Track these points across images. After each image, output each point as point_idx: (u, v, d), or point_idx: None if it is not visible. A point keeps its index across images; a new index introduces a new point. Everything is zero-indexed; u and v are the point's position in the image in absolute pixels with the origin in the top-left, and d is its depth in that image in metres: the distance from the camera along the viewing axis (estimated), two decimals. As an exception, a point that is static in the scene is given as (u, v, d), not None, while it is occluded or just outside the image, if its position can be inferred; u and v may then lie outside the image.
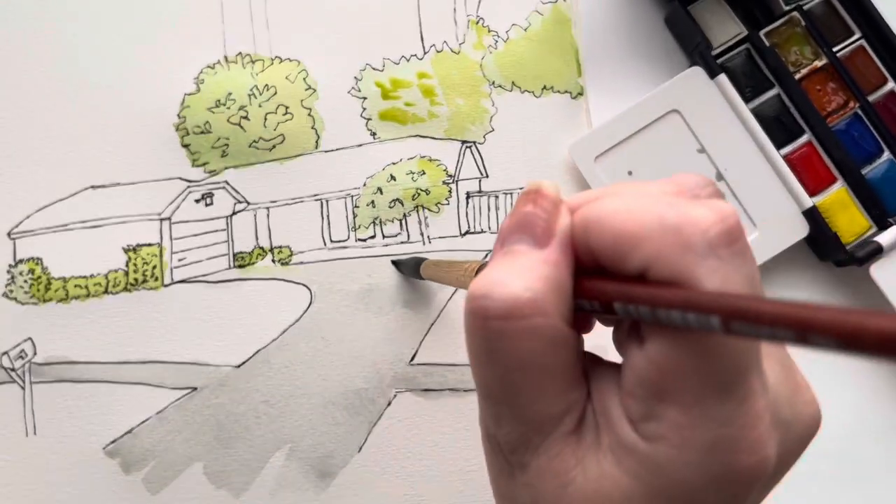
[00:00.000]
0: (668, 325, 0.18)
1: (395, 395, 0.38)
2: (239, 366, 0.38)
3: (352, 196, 0.40)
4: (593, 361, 0.22)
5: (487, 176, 0.41)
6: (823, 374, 0.41)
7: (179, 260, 0.39)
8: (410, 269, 0.38)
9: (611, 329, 0.23)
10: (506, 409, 0.21)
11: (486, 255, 0.41)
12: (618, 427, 0.20)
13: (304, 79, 0.41)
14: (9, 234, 0.39)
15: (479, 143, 0.41)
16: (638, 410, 0.19)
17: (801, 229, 0.40)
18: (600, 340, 0.24)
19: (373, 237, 0.40)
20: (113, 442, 0.37)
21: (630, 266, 0.19)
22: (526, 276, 0.20)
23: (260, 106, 0.40)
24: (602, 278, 0.20)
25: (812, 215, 0.40)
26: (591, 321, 0.24)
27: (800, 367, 0.22)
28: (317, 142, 0.40)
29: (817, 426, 0.21)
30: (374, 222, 0.40)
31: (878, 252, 0.39)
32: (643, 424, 0.19)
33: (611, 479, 0.19)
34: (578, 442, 0.20)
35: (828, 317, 0.15)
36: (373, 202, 0.40)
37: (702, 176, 0.21)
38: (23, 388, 0.37)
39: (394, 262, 0.40)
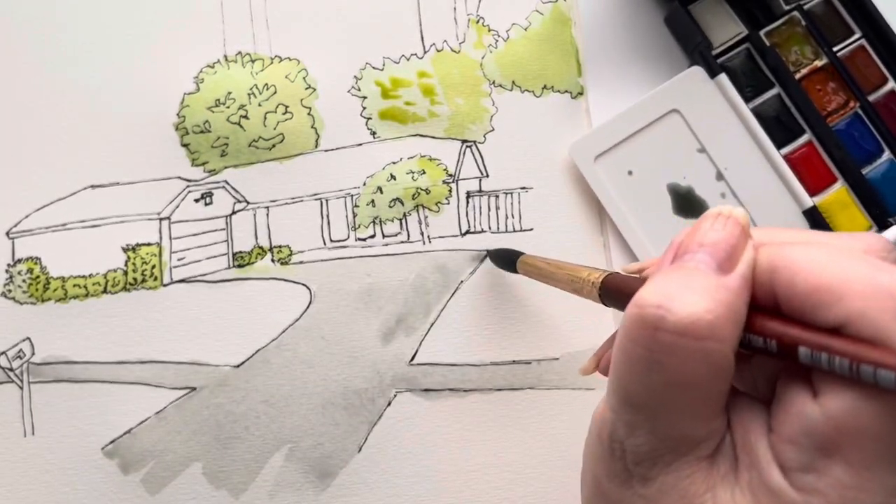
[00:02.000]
0: (865, 382, 0.18)
1: (394, 395, 0.38)
2: (238, 366, 0.38)
3: (351, 195, 0.40)
4: (735, 395, 0.22)
5: (488, 175, 0.41)
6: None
7: (179, 259, 0.39)
8: (504, 261, 0.38)
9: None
10: (646, 422, 0.20)
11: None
12: (765, 469, 0.19)
13: (304, 78, 0.41)
14: (7, 234, 0.39)
15: (480, 143, 0.41)
16: (797, 459, 0.19)
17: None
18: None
19: (373, 237, 0.40)
20: (112, 442, 0.37)
21: (826, 318, 0.18)
22: (707, 298, 0.19)
23: (260, 105, 0.40)
24: (789, 321, 0.19)
25: (812, 215, 0.40)
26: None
27: None
28: (316, 141, 0.40)
29: None
30: (373, 222, 0.40)
31: (878, 252, 0.39)
32: (799, 475, 0.19)
33: None
34: (710, 469, 0.20)
35: None
36: (373, 201, 0.40)
37: (884, 238, 0.21)
38: (21, 388, 0.37)
39: (489, 253, 0.40)
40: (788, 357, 0.19)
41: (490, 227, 0.41)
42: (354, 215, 0.40)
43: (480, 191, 0.41)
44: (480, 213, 0.41)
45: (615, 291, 0.26)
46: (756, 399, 0.21)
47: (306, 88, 0.41)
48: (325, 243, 0.40)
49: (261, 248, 0.40)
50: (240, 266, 0.39)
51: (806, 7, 0.41)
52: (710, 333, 0.19)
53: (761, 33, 0.41)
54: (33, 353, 0.38)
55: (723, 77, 0.40)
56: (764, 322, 0.20)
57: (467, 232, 0.40)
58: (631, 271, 0.27)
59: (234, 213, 0.40)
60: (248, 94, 0.40)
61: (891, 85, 0.42)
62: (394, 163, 0.40)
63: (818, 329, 0.19)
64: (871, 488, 0.18)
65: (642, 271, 0.27)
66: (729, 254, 0.20)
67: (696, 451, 0.20)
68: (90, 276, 0.38)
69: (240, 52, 0.41)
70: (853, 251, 0.20)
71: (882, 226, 0.40)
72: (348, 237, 0.40)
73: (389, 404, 0.39)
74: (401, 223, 0.40)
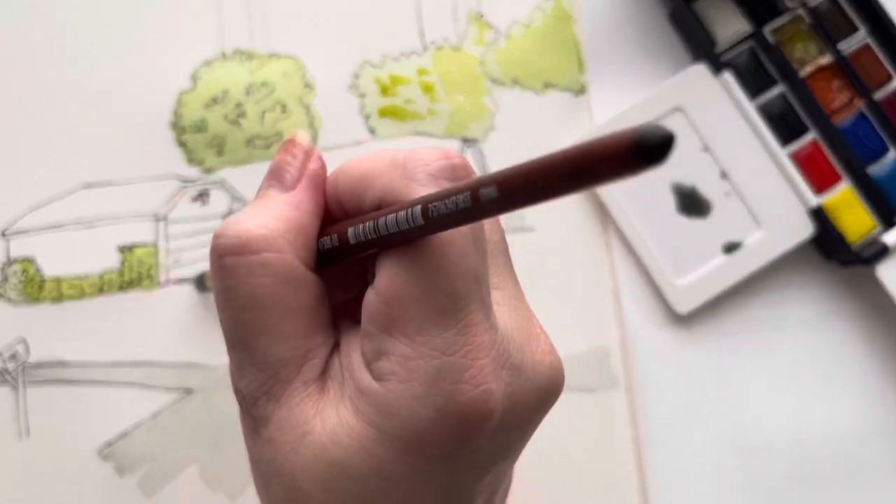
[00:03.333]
0: (387, 238, 0.19)
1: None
2: (235, 367, 0.38)
3: (350, 195, 0.40)
4: (348, 321, 0.22)
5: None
6: (830, 378, 0.41)
7: (175, 260, 0.39)
8: (200, 284, 0.38)
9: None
10: (245, 355, 0.21)
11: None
12: (357, 372, 0.20)
13: (302, 76, 0.40)
14: (2, 234, 0.38)
15: (480, 141, 0.41)
16: (371, 349, 0.20)
17: (806, 229, 0.40)
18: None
19: (371, 236, 0.40)
20: (107, 444, 0.37)
21: (368, 203, 0.20)
22: (262, 215, 0.21)
23: (257, 103, 0.40)
24: (348, 219, 0.21)
25: (817, 214, 0.40)
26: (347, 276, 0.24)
27: (540, 323, 0.23)
28: (314, 139, 0.40)
29: (557, 380, 0.22)
30: (372, 221, 0.40)
31: (884, 252, 0.39)
32: (376, 364, 0.19)
33: (346, 426, 0.20)
34: (321, 393, 0.20)
35: (492, 175, 0.16)
36: (371, 201, 0.40)
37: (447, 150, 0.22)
38: (16, 390, 0.37)
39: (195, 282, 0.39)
40: (347, 248, 0.20)
41: (491, 227, 0.40)
42: (353, 215, 0.40)
43: (481, 190, 0.40)
44: (481, 213, 0.40)
45: None
46: None
47: (304, 86, 0.40)
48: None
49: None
50: (237, 266, 0.39)
51: (811, 4, 0.41)
52: (265, 245, 0.20)
53: (766, 31, 0.41)
54: (28, 355, 0.38)
55: (727, 75, 0.40)
56: (331, 226, 0.21)
57: (467, 232, 0.40)
58: None
59: (230, 212, 0.40)
60: (245, 92, 0.40)
61: (896, 83, 0.41)
62: (393, 161, 0.40)
63: (364, 212, 0.20)
64: (426, 352, 0.19)
65: None
66: (292, 174, 0.22)
67: (302, 376, 0.20)
68: (85, 276, 0.38)
69: (237, 50, 0.40)
70: (399, 149, 0.21)
71: (888, 224, 0.40)
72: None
73: (389, 406, 0.38)
74: (400, 223, 0.40)
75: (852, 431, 0.41)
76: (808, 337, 0.41)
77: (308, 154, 0.22)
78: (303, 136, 0.23)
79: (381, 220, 0.19)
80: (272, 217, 0.20)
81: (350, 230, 0.20)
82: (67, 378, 0.38)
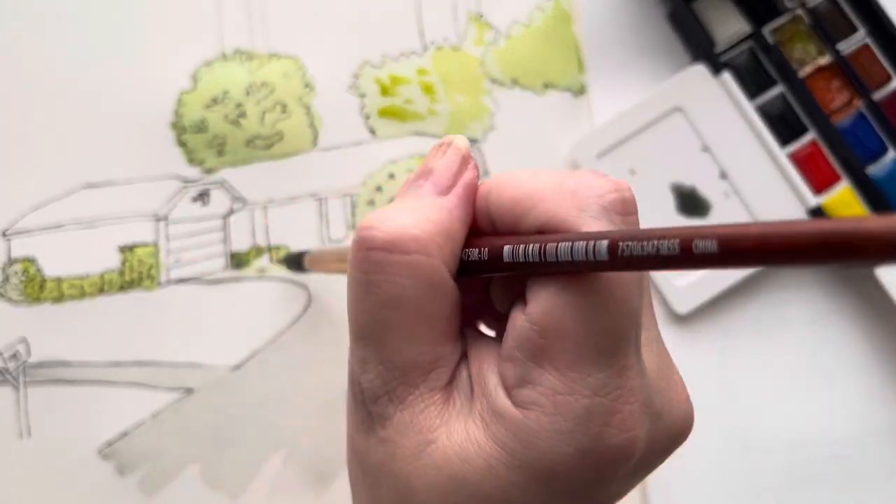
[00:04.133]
0: (554, 266, 0.18)
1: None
2: (235, 367, 0.38)
3: (350, 194, 0.40)
4: (475, 332, 0.22)
5: (488, 174, 0.41)
6: (830, 378, 0.41)
7: (175, 260, 0.39)
8: (295, 263, 0.38)
9: None
10: (374, 352, 0.20)
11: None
12: (492, 394, 0.20)
13: (302, 76, 0.40)
14: (3, 234, 0.38)
15: (480, 141, 0.41)
16: (515, 375, 0.19)
17: (805, 229, 0.40)
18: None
19: (372, 236, 0.40)
20: (108, 444, 0.37)
21: (527, 225, 0.20)
22: (416, 215, 0.20)
23: (257, 103, 0.40)
24: (501, 234, 0.21)
25: (816, 214, 0.40)
26: (480, 315, 0.24)
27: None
28: (315, 140, 0.40)
29: (688, 426, 0.21)
30: (372, 221, 0.40)
31: (883, 252, 0.39)
32: (518, 390, 0.19)
33: (475, 443, 0.19)
34: (446, 403, 0.20)
35: (711, 228, 0.15)
36: (372, 200, 0.40)
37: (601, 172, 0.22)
38: (17, 390, 0.37)
39: (282, 261, 0.39)
40: (498, 264, 0.20)
41: (490, 227, 0.40)
42: (353, 215, 0.40)
43: (481, 190, 0.41)
44: (481, 213, 0.40)
45: None
46: (499, 340, 0.21)
47: (304, 86, 0.40)
48: (323, 243, 0.40)
49: (258, 247, 0.39)
50: (237, 266, 0.39)
51: (810, 4, 0.41)
52: (417, 247, 0.20)
53: (765, 31, 0.41)
54: (29, 355, 0.38)
55: (726, 75, 0.40)
56: (480, 239, 0.21)
57: (467, 231, 0.40)
58: None
59: (231, 212, 0.40)
60: (246, 93, 0.40)
61: (895, 83, 0.41)
62: (393, 161, 0.40)
63: (523, 233, 0.20)
64: (577, 389, 0.18)
65: None
66: (448, 178, 0.21)
67: (428, 382, 0.20)
68: (86, 276, 0.38)
69: (237, 50, 0.40)
70: (561, 172, 0.21)
71: (887, 225, 0.40)
72: (347, 237, 0.40)
73: (389, 406, 0.38)
74: (400, 223, 0.40)
75: (852, 431, 0.41)
76: (808, 337, 0.41)
77: (465, 161, 0.22)
78: (461, 141, 0.22)
79: (552, 246, 0.18)
80: (425, 218, 0.20)
81: (507, 248, 0.19)
82: (68, 378, 0.38)
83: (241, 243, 0.39)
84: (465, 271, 0.21)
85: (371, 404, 0.21)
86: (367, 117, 0.40)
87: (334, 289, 0.39)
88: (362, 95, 0.41)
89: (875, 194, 0.40)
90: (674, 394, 0.21)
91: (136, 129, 0.39)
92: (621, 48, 0.42)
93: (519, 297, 0.20)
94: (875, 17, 0.41)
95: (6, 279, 0.38)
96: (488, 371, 0.20)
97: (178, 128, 0.40)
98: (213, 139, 0.40)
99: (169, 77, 0.40)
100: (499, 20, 0.42)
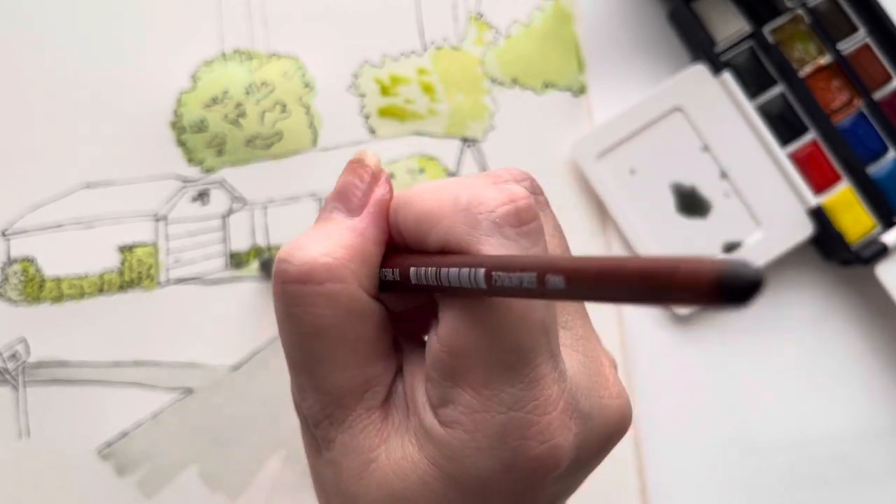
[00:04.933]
0: (450, 289, 0.18)
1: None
2: (235, 367, 0.38)
3: (350, 194, 0.40)
4: (410, 343, 0.22)
5: (488, 174, 0.40)
6: (830, 377, 0.41)
7: (175, 259, 0.39)
8: (268, 269, 0.37)
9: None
10: (306, 379, 0.21)
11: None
12: (421, 411, 0.20)
13: (302, 75, 0.40)
14: (2, 233, 0.38)
15: (480, 141, 0.41)
16: (436, 395, 0.19)
17: (805, 228, 0.40)
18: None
19: (371, 236, 0.40)
20: (107, 444, 0.37)
21: (430, 244, 0.20)
22: (327, 242, 0.20)
23: (257, 103, 0.40)
24: (411, 253, 0.21)
25: (817, 214, 0.40)
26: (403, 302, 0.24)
27: (615, 365, 0.22)
28: (314, 139, 0.40)
29: (624, 423, 0.21)
30: (372, 221, 0.40)
31: (883, 251, 0.39)
32: (441, 409, 0.19)
33: (411, 461, 0.20)
34: (384, 420, 0.20)
35: (564, 260, 0.16)
36: (371, 201, 0.40)
37: (521, 170, 0.22)
38: (16, 390, 0.37)
39: (261, 267, 0.39)
40: (408, 285, 0.20)
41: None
42: (353, 214, 0.40)
43: (481, 190, 0.40)
44: (481, 213, 0.40)
45: None
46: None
47: (304, 86, 0.40)
48: (323, 243, 0.40)
49: (258, 247, 0.39)
50: (237, 266, 0.39)
51: (810, 4, 0.41)
52: (329, 276, 0.19)
53: (765, 30, 0.41)
54: (28, 354, 0.37)
55: (726, 75, 0.40)
56: (393, 257, 0.21)
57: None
58: None
59: (230, 212, 0.39)
60: (246, 92, 0.40)
61: (895, 83, 0.41)
62: (393, 161, 0.40)
63: (428, 253, 0.20)
64: (492, 407, 0.19)
65: None
66: (358, 197, 0.21)
67: (364, 402, 0.20)
68: (85, 276, 0.38)
69: (237, 50, 0.40)
70: (465, 182, 0.20)
71: (887, 224, 0.40)
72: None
73: (388, 406, 0.38)
74: (400, 222, 0.40)
75: (852, 431, 0.41)
76: (808, 336, 0.41)
77: (375, 177, 0.22)
78: (371, 158, 0.22)
79: (444, 271, 0.18)
80: (336, 244, 0.20)
81: (412, 270, 0.20)
82: (67, 378, 0.38)
83: (240, 243, 0.39)
84: (387, 287, 0.21)
85: (314, 428, 0.21)
86: (367, 117, 0.40)
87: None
88: (362, 95, 0.41)
89: (875, 194, 0.40)
90: (604, 391, 0.21)
91: (136, 129, 0.39)
92: (621, 48, 0.42)
93: (434, 317, 0.20)
94: (875, 17, 0.41)
95: (5, 279, 0.38)
96: (418, 387, 0.20)
97: (178, 127, 0.39)
98: (212, 139, 0.40)
99: (169, 77, 0.40)
100: (499, 20, 0.42)
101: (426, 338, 0.22)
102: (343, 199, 0.21)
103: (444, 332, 0.19)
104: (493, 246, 0.18)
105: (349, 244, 0.20)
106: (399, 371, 0.21)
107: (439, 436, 0.19)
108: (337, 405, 0.20)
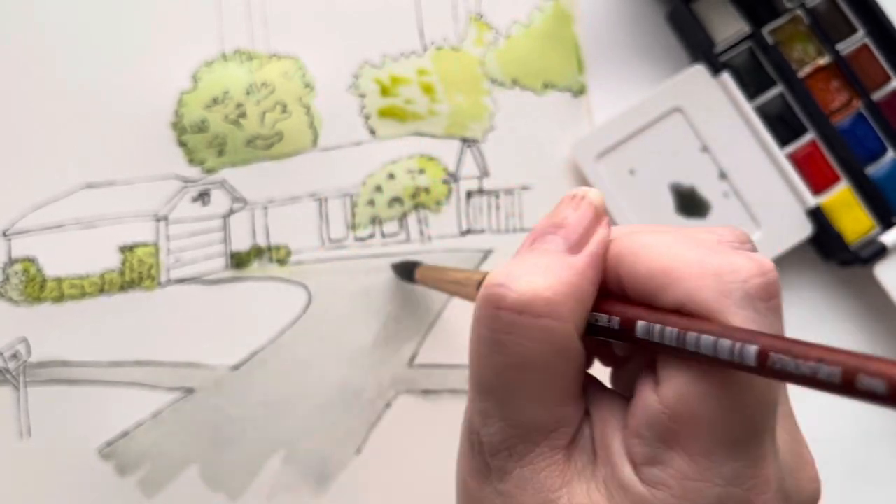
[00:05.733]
0: (693, 354, 0.18)
1: (394, 397, 0.38)
2: (235, 367, 0.38)
3: (350, 195, 0.40)
4: (596, 386, 0.22)
5: (488, 174, 0.41)
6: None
7: (175, 260, 0.39)
8: (405, 272, 0.37)
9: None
10: (496, 408, 0.20)
11: (483, 263, 0.41)
12: (617, 464, 0.19)
13: (302, 76, 0.40)
14: (3, 234, 0.38)
15: (480, 141, 0.41)
16: (642, 453, 0.19)
17: (804, 229, 0.40)
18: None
19: (372, 236, 0.40)
20: (108, 444, 0.37)
21: (663, 301, 0.19)
22: (550, 276, 0.19)
23: (257, 103, 0.40)
24: (633, 303, 0.20)
25: (816, 214, 0.40)
26: (592, 356, 0.24)
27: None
28: (315, 140, 0.40)
29: None
30: (372, 221, 0.40)
31: (882, 252, 0.39)
32: (646, 468, 0.19)
33: None
34: (567, 462, 0.20)
35: (879, 364, 0.14)
36: (372, 201, 0.40)
37: (740, 230, 0.21)
38: (17, 390, 0.37)
39: (393, 266, 0.39)
40: (629, 335, 0.19)
41: (490, 227, 0.40)
42: (353, 215, 0.40)
43: (481, 190, 0.41)
44: (481, 213, 0.40)
45: None
46: (621, 396, 0.21)
47: (304, 87, 0.40)
48: (323, 243, 0.40)
49: (258, 247, 0.39)
50: (237, 266, 0.39)
51: (809, 5, 0.41)
52: (549, 310, 0.19)
53: (764, 31, 0.41)
54: (29, 354, 0.38)
55: (725, 75, 0.40)
56: (609, 303, 0.20)
57: (467, 231, 0.40)
58: None
59: (231, 212, 0.40)
60: (246, 93, 0.40)
61: (894, 83, 0.41)
62: (393, 161, 0.40)
63: (657, 308, 0.19)
64: (710, 477, 0.18)
65: None
66: (580, 234, 0.21)
67: (550, 441, 0.20)
68: (86, 276, 0.38)
69: (237, 50, 0.40)
70: (701, 240, 0.20)
71: (886, 224, 0.40)
72: (347, 237, 0.40)
73: (389, 406, 0.38)
74: (400, 222, 0.40)
75: (851, 432, 0.41)
76: (807, 336, 0.41)
77: (599, 217, 0.21)
78: (596, 195, 0.21)
79: (692, 336, 0.17)
80: (558, 279, 0.19)
81: (641, 324, 0.19)
82: (68, 378, 0.38)
83: (241, 243, 0.39)
84: (592, 332, 0.20)
85: (490, 456, 0.20)
86: (367, 117, 0.41)
87: (334, 289, 0.39)
88: (362, 95, 0.41)
89: (874, 194, 0.40)
90: (804, 473, 0.20)
91: (137, 130, 0.39)
92: (621, 49, 0.42)
93: (648, 369, 0.20)
94: (874, 18, 0.41)
95: (6, 279, 0.38)
96: (612, 437, 0.20)
97: (179, 128, 0.40)
98: (213, 139, 0.40)
99: (169, 77, 0.40)
100: (499, 20, 0.42)
101: (610, 384, 0.22)
102: (563, 234, 0.21)
103: (670, 395, 0.18)
104: (743, 319, 0.18)
105: (569, 281, 0.20)
106: (586, 414, 0.21)
107: (639, 493, 0.19)
108: (523, 439, 0.20)
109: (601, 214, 0.21)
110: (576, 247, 0.20)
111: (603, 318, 0.20)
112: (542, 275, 0.19)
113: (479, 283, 0.26)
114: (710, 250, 0.19)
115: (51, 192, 0.39)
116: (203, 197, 0.39)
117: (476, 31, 0.42)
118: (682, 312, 0.18)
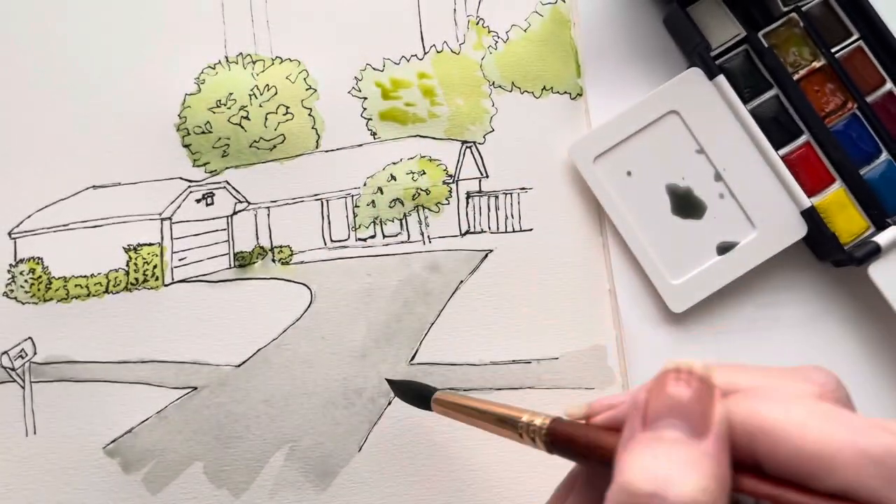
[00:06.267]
0: None
1: (395, 395, 0.38)
2: (239, 365, 0.38)
3: (352, 196, 0.40)
4: None
5: (487, 176, 0.41)
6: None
7: (180, 259, 0.39)
8: (413, 396, 0.35)
9: None
10: None
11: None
12: None
13: (305, 79, 0.41)
14: (10, 234, 0.39)
15: (479, 143, 0.41)
16: None
17: (799, 229, 0.40)
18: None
19: (373, 237, 0.40)
20: (113, 441, 0.37)
21: (821, 486, 0.18)
22: (696, 474, 0.18)
23: (260, 106, 0.40)
24: (782, 484, 0.19)
25: (810, 215, 0.40)
26: None
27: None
28: (317, 142, 0.40)
29: None
30: (374, 222, 0.40)
31: (876, 252, 0.39)
32: None
33: None
34: None
35: None
36: (373, 202, 0.40)
37: (828, 371, 0.20)
38: (23, 388, 0.38)
39: (391, 383, 0.37)
40: None
41: (490, 228, 0.41)
42: (355, 215, 0.40)
43: (480, 191, 0.41)
44: (480, 214, 0.41)
45: (566, 443, 0.24)
46: None
47: (307, 89, 0.41)
48: (325, 243, 0.40)
49: (261, 248, 0.40)
50: (241, 266, 0.39)
51: (804, 8, 0.42)
52: None
53: (760, 34, 0.41)
54: (35, 353, 0.38)
55: (721, 78, 0.40)
56: (756, 484, 0.19)
57: (467, 232, 0.41)
58: (577, 417, 0.25)
59: (235, 213, 0.40)
60: (249, 95, 0.40)
61: (889, 86, 0.42)
62: (394, 163, 0.41)
63: (817, 493, 0.18)
64: None
65: (590, 417, 0.24)
66: (701, 414, 0.19)
67: None
68: (92, 276, 0.39)
69: (241, 53, 0.41)
70: (831, 416, 0.19)
71: (880, 226, 0.40)
72: (349, 237, 0.40)
73: (390, 404, 0.39)
74: (401, 223, 0.40)
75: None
76: (801, 336, 0.41)
77: (712, 393, 0.20)
78: (700, 367, 0.20)
79: None
80: (705, 476, 0.18)
81: None
82: (74, 376, 0.38)
83: (244, 244, 0.40)
84: None
85: None
86: (369, 120, 0.41)
87: (336, 289, 0.40)
88: (364, 98, 0.41)
89: (868, 195, 0.40)
90: None
91: (142, 131, 0.40)
92: (618, 52, 0.42)
93: None
94: (868, 21, 0.41)
95: (13, 279, 0.38)
96: None
97: (183, 130, 0.40)
98: (217, 141, 0.40)
99: (174, 80, 0.40)
100: (498, 25, 0.42)
101: None
102: (681, 416, 0.19)
103: None
104: None
105: (714, 474, 0.19)
106: None
107: None
108: None
109: (713, 388, 0.20)
110: (700, 429, 0.19)
111: (749, 500, 0.19)
112: (689, 475, 0.18)
113: (540, 431, 0.24)
114: (856, 431, 0.18)
115: (57, 193, 0.39)
116: (207, 198, 0.40)
117: (476, 35, 0.42)
118: (843, 498, 0.18)
